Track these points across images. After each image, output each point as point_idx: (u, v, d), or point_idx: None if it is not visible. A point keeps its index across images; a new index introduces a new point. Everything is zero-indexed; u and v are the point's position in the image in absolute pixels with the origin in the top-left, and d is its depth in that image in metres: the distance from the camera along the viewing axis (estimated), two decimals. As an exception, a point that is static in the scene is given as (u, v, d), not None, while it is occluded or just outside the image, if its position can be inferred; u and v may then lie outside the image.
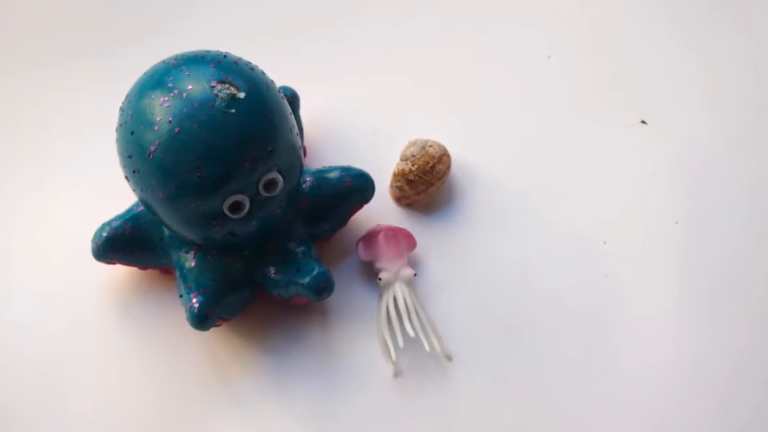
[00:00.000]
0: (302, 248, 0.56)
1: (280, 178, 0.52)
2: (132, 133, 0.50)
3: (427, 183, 0.61)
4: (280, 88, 0.55)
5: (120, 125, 0.51)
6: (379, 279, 0.58)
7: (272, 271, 0.55)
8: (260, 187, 0.51)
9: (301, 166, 0.54)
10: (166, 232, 0.56)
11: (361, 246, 0.59)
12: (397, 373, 0.56)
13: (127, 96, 0.52)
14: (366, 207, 0.59)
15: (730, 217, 0.62)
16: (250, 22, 0.70)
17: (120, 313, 0.59)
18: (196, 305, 0.53)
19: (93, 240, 0.56)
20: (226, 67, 0.51)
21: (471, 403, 0.56)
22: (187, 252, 0.55)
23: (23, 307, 0.59)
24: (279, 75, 0.55)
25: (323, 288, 0.54)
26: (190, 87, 0.49)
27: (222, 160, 0.49)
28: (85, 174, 0.63)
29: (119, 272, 0.59)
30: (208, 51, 0.52)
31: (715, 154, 0.64)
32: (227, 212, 0.51)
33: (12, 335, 0.58)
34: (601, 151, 0.64)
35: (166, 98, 0.49)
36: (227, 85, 0.49)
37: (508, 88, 0.67)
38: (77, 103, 0.66)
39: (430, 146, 0.61)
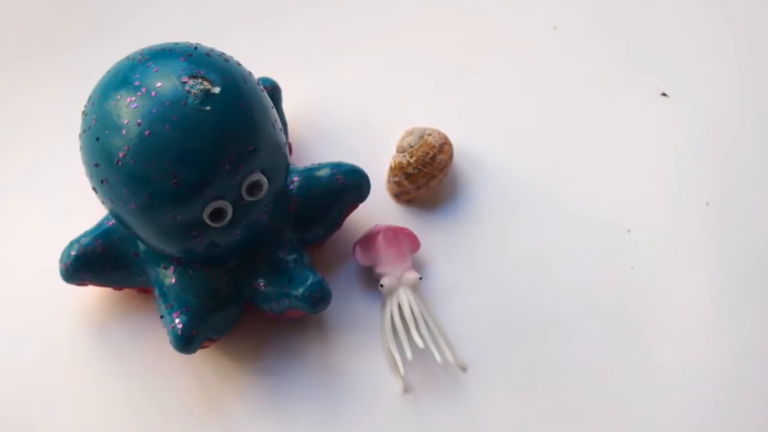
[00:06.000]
0: (293, 256, 0.54)
1: (265, 180, 0.50)
2: (97, 139, 0.49)
3: (428, 176, 0.59)
4: (259, 79, 0.54)
5: (83, 131, 0.50)
6: (381, 285, 0.56)
7: (262, 284, 0.54)
8: (243, 191, 0.50)
9: (287, 165, 0.53)
10: (142, 246, 0.55)
11: (358, 250, 0.58)
12: (406, 389, 0.55)
13: (90, 98, 0.51)
14: (362, 206, 0.58)
15: (766, 196, 0.61)
16: (222, 9, 0.68)
17: (95, 339, 0.57)
18: (180, 326, 0.52)
19: (61, 260, 0.55)
20: (197, 59, 0.50)
21: (490, 417, 0.55)
22: (166, 267, 0.54)
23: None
24: (257, 66, 0.54)
25: (319, 299, 0.53)
26: (159, 84, 0.48)
27: (199, 164, 0.48)
28: (48, 187, 0.62)
29: (92, 294, 0.58)
30: (176, 43, 0.51)
31: (747, 126, 0.63)
32: (208, 221, 0.49)
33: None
34: (619, 129, 0.63)
35: (133, 98, 0.48)
36: (200, 80, 0.48)
37: (512, 65, 0.66)
38: (34, 108, 0.65)
39: (429, 134, 0.60)
